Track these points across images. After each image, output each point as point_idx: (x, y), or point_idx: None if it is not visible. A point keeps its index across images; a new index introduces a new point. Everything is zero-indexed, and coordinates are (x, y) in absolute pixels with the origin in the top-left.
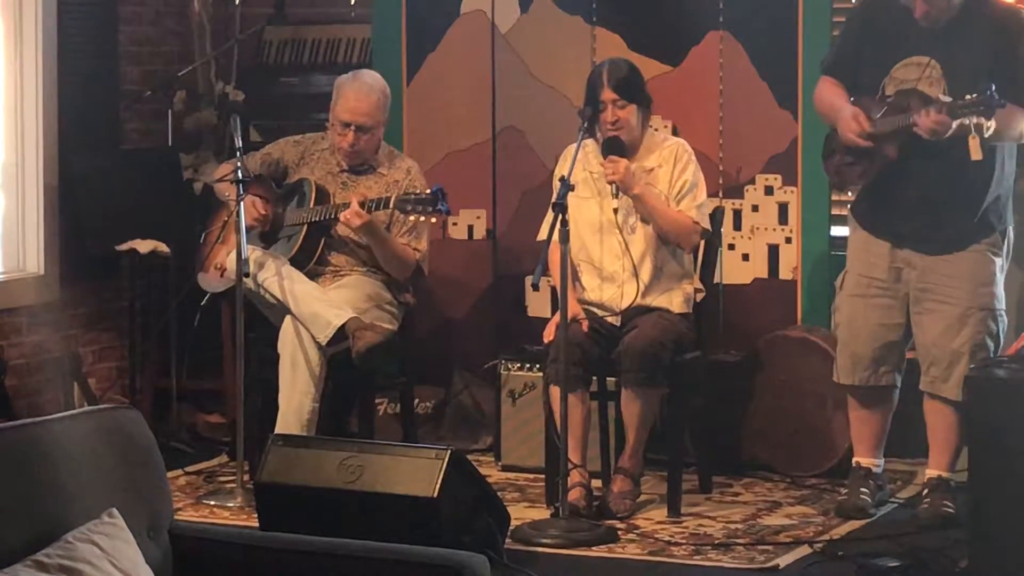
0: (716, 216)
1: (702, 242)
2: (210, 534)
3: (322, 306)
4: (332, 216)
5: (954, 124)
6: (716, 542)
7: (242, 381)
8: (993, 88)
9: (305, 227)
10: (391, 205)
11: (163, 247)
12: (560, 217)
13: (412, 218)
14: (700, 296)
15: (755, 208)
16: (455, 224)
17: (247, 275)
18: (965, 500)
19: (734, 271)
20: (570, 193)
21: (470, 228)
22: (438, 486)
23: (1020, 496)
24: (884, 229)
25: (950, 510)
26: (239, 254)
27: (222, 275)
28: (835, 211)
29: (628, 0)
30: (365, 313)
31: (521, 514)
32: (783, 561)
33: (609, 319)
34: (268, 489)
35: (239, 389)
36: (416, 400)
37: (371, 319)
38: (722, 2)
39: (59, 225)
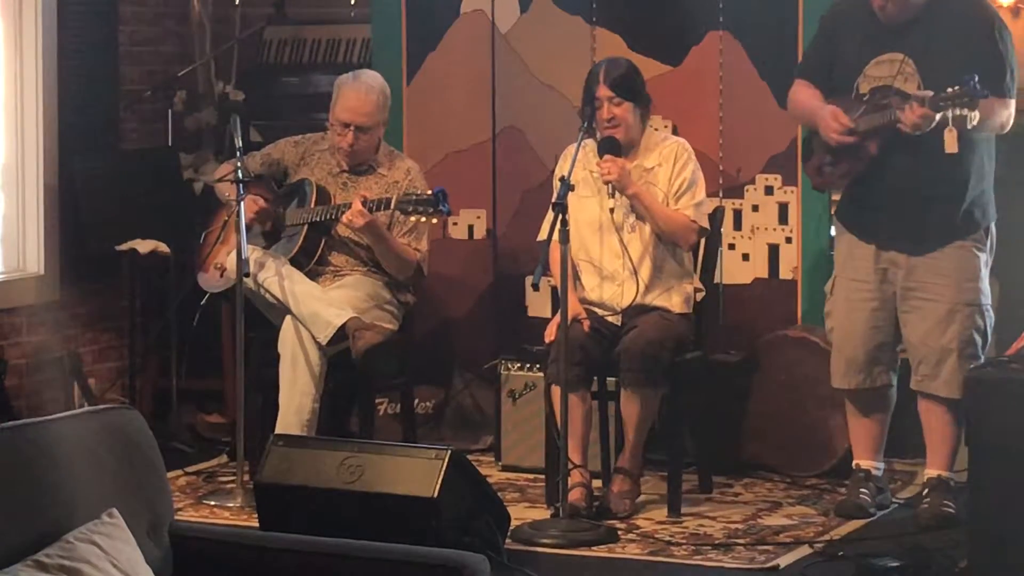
0: (716, 216)
1: (702, 241)
2: (210, 534)
3: (322, 306)
4: (334, 216)
5: (937, 117)
6: (716, 542)
7: (242, 381)
8: (976, 79)
9: (305, 227)
10: (392, 206)
11: (163, 247)
12: (560, 217)
13: (413, 219)
14: (700, 296)
15: (755, 208)
16: (455, 224)
17: (247, 275)
18: (965, 500)
19: (734, 271)
20: (570, 192)
21: (470, 228)
22: (438, 486)
23: (1020, 496)
24: (869, 230)
25: (950, 510)
26: (239, 254)
27: (222, 275)
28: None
29: (628, 0)
30: (365, 313)
31: (521, 514)
32: (783, 561)
33: (609, 319)
34: (268, 489)
35: (239, 389)
36: (416, 400)
37: (371, 319)
38: (722, 2)
39: (59, 225)
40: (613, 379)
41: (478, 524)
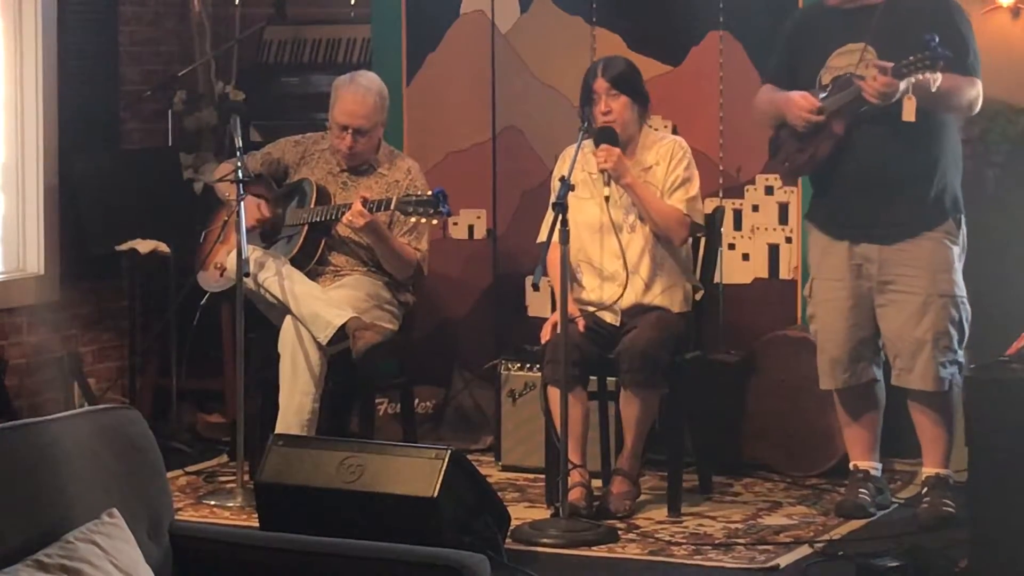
0: (716, 216)
1: (702, 241)
2: (210, 534)
3: (322, 306)
4: (334, 216)
5: (902, 85)
6: (716, 542)
7: (242, 381)
8: (937, 39)
9: (306, 227)
10: (392, 206)
11: (163, 247)
12: (560, 217)
13: (413, 219)
14: (700, 296)
15: (755, 208)
16: (455, 224)
17: (247, 275)
18: (965, 500)
19: (734, 271)
20: (570, 193)
21: (470, 228)
22: (438, 486)
23: (1020, 496)
24: (840, 223)
25: (950, 510)
26: (239, 254)
27: (222, 275)
28: None
29: (628, 0)
30: (365, 313)
31: (521, 514)
32: (783, 561)
33: (609, 319)
34: (268, 489)
35: (239, 389)
36: (416, 400)
37: (371, 319)
38: (722, 2)
39: (59, 225)
40: (613, 379)
41: (478, 524)
